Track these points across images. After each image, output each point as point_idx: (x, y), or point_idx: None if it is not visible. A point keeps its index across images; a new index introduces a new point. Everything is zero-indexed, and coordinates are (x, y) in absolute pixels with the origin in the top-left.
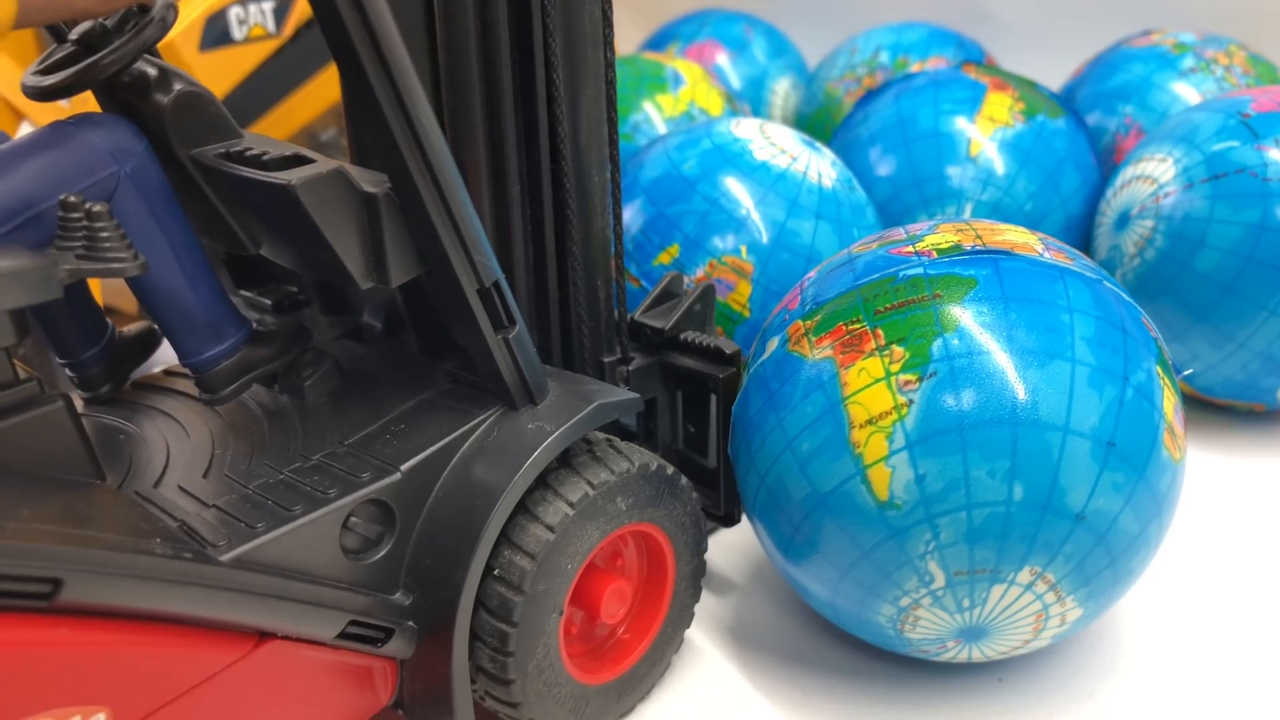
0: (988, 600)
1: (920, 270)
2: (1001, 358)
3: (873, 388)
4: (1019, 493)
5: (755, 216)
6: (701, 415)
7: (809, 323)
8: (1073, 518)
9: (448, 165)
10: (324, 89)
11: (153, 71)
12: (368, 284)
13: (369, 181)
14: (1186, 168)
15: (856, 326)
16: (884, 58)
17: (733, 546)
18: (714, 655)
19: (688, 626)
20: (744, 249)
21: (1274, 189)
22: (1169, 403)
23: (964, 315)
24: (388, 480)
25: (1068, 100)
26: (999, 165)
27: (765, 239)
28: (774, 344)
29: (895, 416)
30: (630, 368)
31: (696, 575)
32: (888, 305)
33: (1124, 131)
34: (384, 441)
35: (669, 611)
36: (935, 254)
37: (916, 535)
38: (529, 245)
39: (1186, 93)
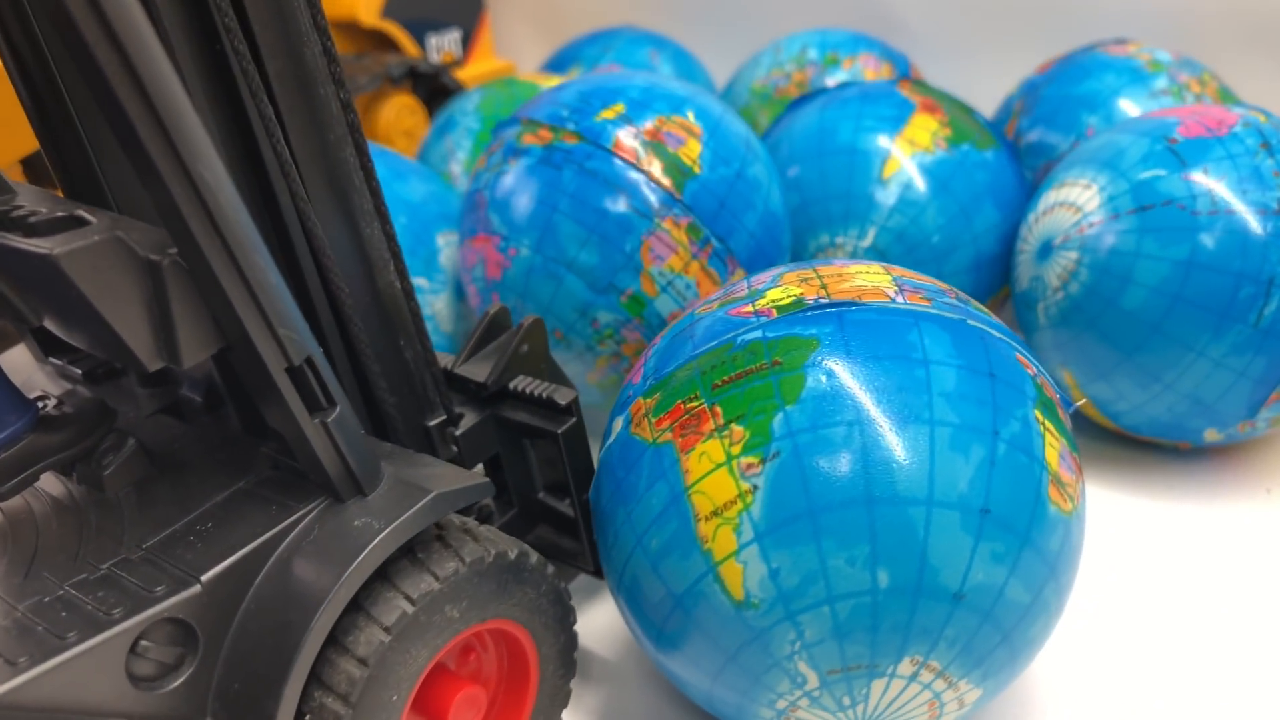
0: (870, 696)
1: (759, 334)
2: (849, 428)
3: (715, 474)
4: (884, 579)
5: (698, 98)
6: (557, 455)
7: (649, 401)
8: (950, 599)
9: (241, 226)
10: None
11: None
12: (155, 365)
13: (153, 246)
14: (1112, 196)
15: (694, 404)
16: (812, 54)
17: (607, 617)
18: None
19: (564, 707)
20: (691, 114)
21: (1202, 223)
22: (1052, 450)
23: (806, 383)
24: (186, 594)
25: (1031, 93)
26: (911, 191)
27: (712, 111)
28: (619, 424)
29: (740, 506)
30: (459, 430)
31: (567, 652)
32: (725, 378)
33: (1084, 141)
34: (187, 544)
35: (538, 700)
36: (775, 313)
37: (780, 635)
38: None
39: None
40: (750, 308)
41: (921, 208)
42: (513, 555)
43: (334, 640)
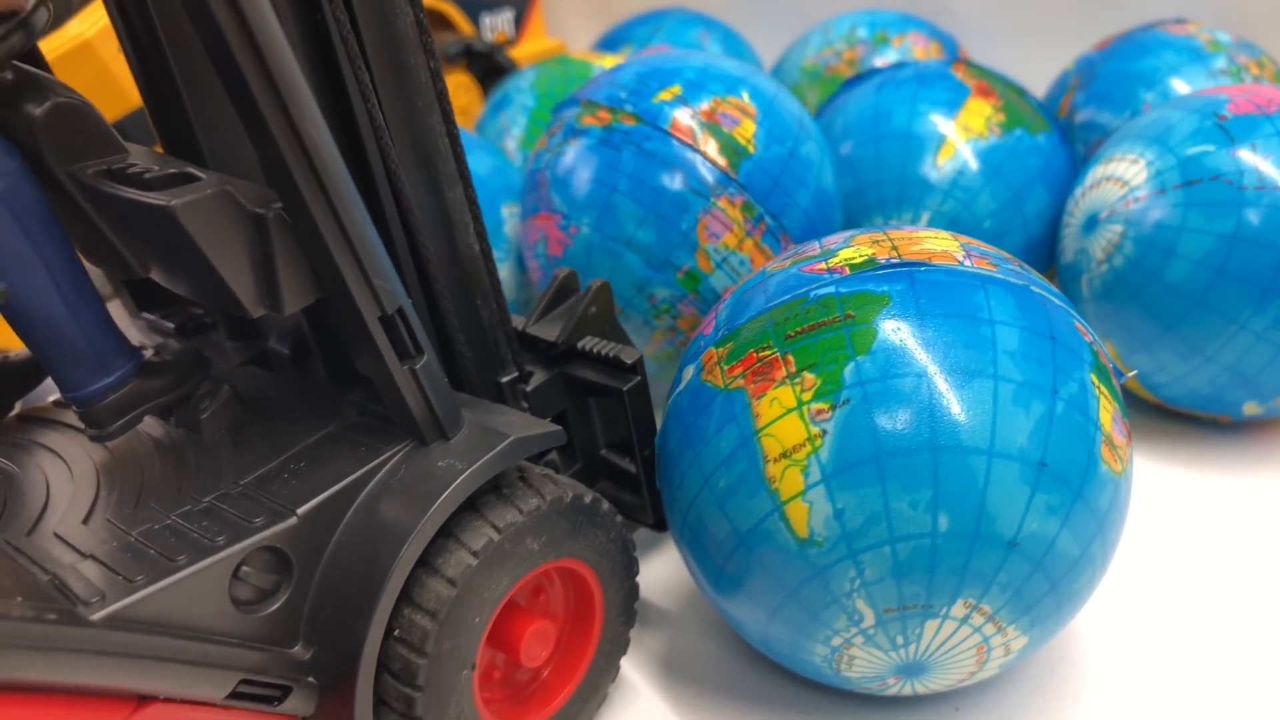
0: (922, 636)
1: (832, 289)
2: (917, 380)
3: (785, 419)
4: (944, 523)
5: (753, 77)
6: (620, 414)
7: (721, 350)
8: (1005, 545)
9: (342, 182)
10: None
11: (25, 81)
12: (259, 311)
13: (258, 201)
14: (1159, 171)
15: (767, 353)
16: (862, 33)
17: (666, 570)
18: (650, 694)
19: (624, 654)
20: (746, 94)
21: (1249, 198)
22: (1106, 413)
23: (877, 336)
24: (283, 525)
25: (1087, 70)
26: (965, 177)
27: (766, 91)
28: (689, 373)
29: (809, 449)
30: (529, 387)
31: (629, 601)
32: (799, 329)
33: (1139, 117)
34: (282, 481)
35: (600, 643)
36: (848, 270)
37: (840, 573)
38: None
39: None
40: (823, 265)
41: (974, 193)
42: (587, 500)
43: (425, 563)
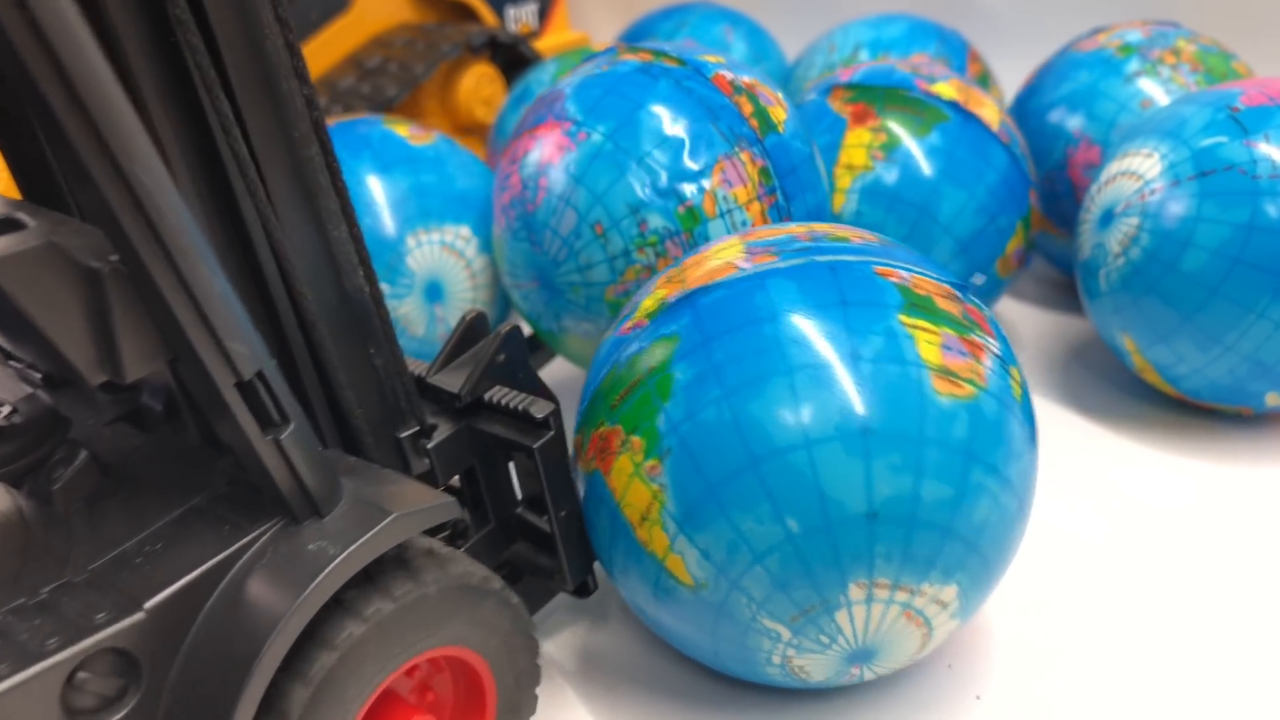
0: (842, 628)
1: (636, 346)
2: (718, 405)
3: (631, 485)
4: (794, 526)
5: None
6: (535, 469)
7: (579, 436)
8: (863, 520)
9: (183, 233)
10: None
11: None
12: (97, 378)
13: (94, 253)
14: (1173, 164)
15: (603, 429)
16: (863, 56)
17: (583, 640)
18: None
19: None
20: (781, 95)
21: (1263, 187)
22: (929, 346)
23: (674, 379)
24: (128, 622)
25: (1019, 110)
26: (864, 218)
27: (794, 103)
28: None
29: (658, 506)
30: (432, 442)
31: (527, 685)
32: (618, 397)
33: (1074, 145)
34: (134, 567)
35: None
36: (646, 321)
37: (736, 604)
38: (265, 333)
39: (1134, 100)
40: (630, 324)
41: (880, 228)
42: (475, 580)
43: (310, 636)
